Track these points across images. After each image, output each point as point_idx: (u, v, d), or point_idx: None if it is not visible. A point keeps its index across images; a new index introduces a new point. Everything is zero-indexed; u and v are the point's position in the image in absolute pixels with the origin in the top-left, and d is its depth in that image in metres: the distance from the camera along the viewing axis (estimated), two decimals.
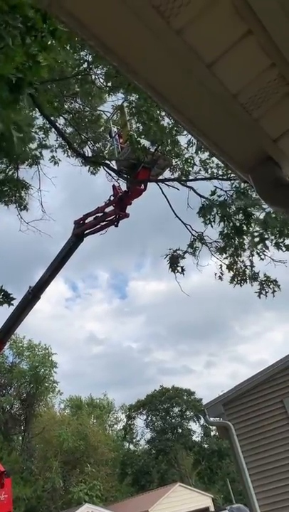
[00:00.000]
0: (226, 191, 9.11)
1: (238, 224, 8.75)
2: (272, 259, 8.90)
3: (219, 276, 9.60)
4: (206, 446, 42.85)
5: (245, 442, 8.38)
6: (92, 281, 73.02)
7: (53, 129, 10.51)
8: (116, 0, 1.14)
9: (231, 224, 8.81)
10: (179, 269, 9.70)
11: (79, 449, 34.03)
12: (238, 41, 1.32)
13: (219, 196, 9.02)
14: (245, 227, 8.73)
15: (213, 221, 8.80)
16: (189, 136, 9.42)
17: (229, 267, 9.57)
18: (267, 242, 8.42)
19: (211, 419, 9.20)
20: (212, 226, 8.95)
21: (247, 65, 1.41)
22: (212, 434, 41.22)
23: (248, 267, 9.43)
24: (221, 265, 9.63)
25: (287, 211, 1.96)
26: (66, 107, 11.39)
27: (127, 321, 70.82)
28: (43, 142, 10.76)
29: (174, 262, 9.76)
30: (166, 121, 8.82)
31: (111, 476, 38.38)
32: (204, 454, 41.93)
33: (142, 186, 10.93)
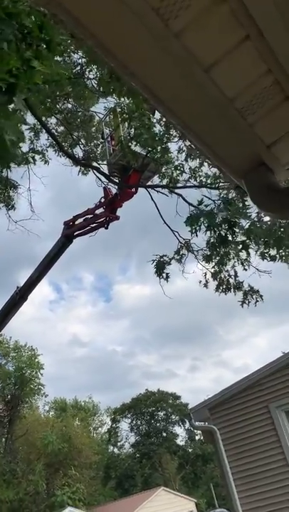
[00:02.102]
0: (213, 200, 9.21)
1: (223, 233, 8.86)
2: (257, 269, 9.04)
3: (204, 284, 9.72)
4: (190, 450, 42.87)
5: (230, 447, 8.40)
6: (77, 283, 72.73)
7: (44, 130, 10.49)
8: (115, 0, 1.14)
9: (217, 233, 8.92)
10: (164, 275, 9.81)
11: (63, 451, 33.75)
12: (236, 46, 1.33)
13: (206, 206, 9.12)
14: (230, 237, 8.86)
15: (199, 230, 8.91)
16: (180, 143, 9.49)
17: (214, 276, 9.68)
18: (251, 251, 8.58)
19: (197, 423, 9.20)
20: (196, 235, 9.08)
21: (244, 70, 1.41)
22: (197, 438, 41.25)
23: (232, 276, 9.56)
24: (206, 273, 9.74)
25: (279, 216, 1.97)
26: (58, 106, 11.36)
27: (111, 324, 70.71)
28: (34, 145, 10.73)
29: (160, 268, 9.84)
30: (157, 128, 8.87)
31: (94, 479, 38.17)
32: (188, 458, 41.95)
33: (133, 189, 10.94)
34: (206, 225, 8.79)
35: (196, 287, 9.81)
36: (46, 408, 41.79)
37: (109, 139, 11.27)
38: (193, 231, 8.87)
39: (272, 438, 8.00)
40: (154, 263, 9.91)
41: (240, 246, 8.65)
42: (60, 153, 11.47)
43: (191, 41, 1.27)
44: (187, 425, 41.55)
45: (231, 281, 9.59)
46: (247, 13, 1.24)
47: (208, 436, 9.09)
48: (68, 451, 34.39)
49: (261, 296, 9.30)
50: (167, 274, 9.86)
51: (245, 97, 1.50)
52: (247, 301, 9.30)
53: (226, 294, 9.57)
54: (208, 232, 8.93)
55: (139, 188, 11.00)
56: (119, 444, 44.62)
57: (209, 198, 9.30)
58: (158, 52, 1.28)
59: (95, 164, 11.88)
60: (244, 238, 8.68)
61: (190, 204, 9.74)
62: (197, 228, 8.84)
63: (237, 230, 8.75)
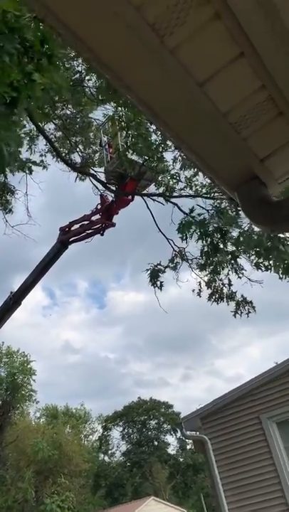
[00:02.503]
0: (207, 210, 9.29)
1: (215, 242, 8.93)
2: (249, 279, 9.09)
3: (198, 292, 9.76)
4: (181, 459, 42.61)
5: (221, 457, 8.36)
6: (71, 289, 72.52)
7: (42, 136, 10.55)
8: (112, 16, 1.16)
9: (210, 242, 8.98)
10: (158, 283, 9.85)
11: (53, 459, 33.46)
12: (231, 63, 1.35)
13: (199, 215, 9.20)
14: (221, 245, 8.93)
15: (190, 238, 8.98)
16: (175, 152, 9.57)
17: (208, 285, 9.72)
18: (244, 261, 8.65)
19: (188, 432, 9.16)
20: (186, 242, 9.16)
21: (238, 85, 1.44)
22: (188, 447, 41.02)
23: (226, 285, 9.61)
24: (200, 282, 9.79)
25: (271, 229, 1.99)
26: (57, 112, 11.43)
27: (104, 331, 70.45)
28: (32, 150, 10.78)
29: (155, 276, 9.89)
30: (153, 138, 8.94)
31: (84, 487, 37.82)
32: (179, 467, 41.67)
33: (130, 197, 10.99)
34: (198, 233, 8.86)
35: (189, 296, 9.90)
36: (37, 415, 41.51)
37: (107, 146, 11.33)
38: (184, 238, 8.95)
39: (263, 449, 7.98)
40: (148, 272, 9.95)
41: (230, 256, 8.72)
42: (58, 159, 11.53)
43: (186, 57, 1.30)
44: (179, 434, 41.34)
45: (225, 290, 9.64)
46: (242, 31, 1.27)
47: (199, 446, 9.05)
48: (58, 458, 34.11)
49: (254, 307, 9.36)
50: (161, 282, 9.92)
51: (239, 112, 1.53)
52: (239, 312, 9.35)
53: (218, 303, 9.61)
54: (201, 241, 9.00)
55: (136, 196, 11.06)
56: (110, 452, 44.31)
57: (202, 207, 9.39)
58: (153, 67, 1.30)
59: (91, 171, 11.94)
60: (234, 248, 8.76)
61: (185, 213, 9.82)
62: (188, 236, 8.91)
63: (228, 240, 8.82)
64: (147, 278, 9.91)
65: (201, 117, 1.52)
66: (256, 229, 8.50)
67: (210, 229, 8.89)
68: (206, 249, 9.10)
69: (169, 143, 9.10)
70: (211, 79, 1.38)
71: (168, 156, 9.97)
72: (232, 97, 1.48)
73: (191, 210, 9.17)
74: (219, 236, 8.83)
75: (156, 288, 9.89)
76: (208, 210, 9.26)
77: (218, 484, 8.16)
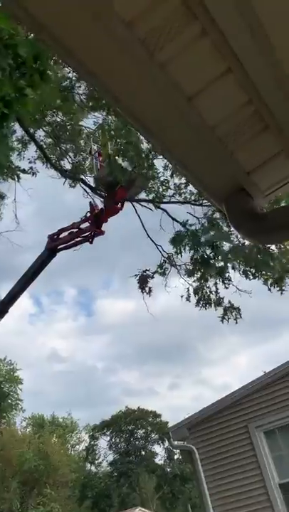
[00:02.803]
0: (198, 218, 9.40)
1: (205, 256, 9.05)
2: (238, 289, 9.19)
3: (186, 298, 9.81)
4: (168, 469, 42.31)
5: (209, 467, 8.33)
6: (58, 297, 71.97)
7: (32, 142, 10.56)
8: (102, 29, 1.19)
9: (200, 253, 9.09)
10: (147, 289, 9.89)
11: (39, 469, 33.01)
12: (218, 78, 1.38)
13: (191, 225, 9.32)
14: (212, 260, 9.05)
15: (184, 250, 9.10)
16: (165, 160, 9.65)
17: (196, 291, 9.78)
18: (233, 272, 8.78)
19: (176, 442, 9.12)
20: (181, 256, 9.26)
21: (225, 100, 1.47)
22: (176, 457, 40.78)
23: (213, 292, 9.70)
24: (188, 288, 9.85)
25: (257, 241, 2.02)
26: (47, 119, 11.45)
27: (92, 339, 69.91)
28: (22, 156, 10.78)
29: (144, 282, 9.92)
30: (144, 146, 9.02)
31: (70, 498, 37.33)
32: (167, 478, 41.36)
33: (119, 205, 11.02)
34: (190, 245, 8.96)
35: (178, 304, 9.91)
36: (23, 424, 40.97)
37: (96, 155, 11.37)
38: (178, 252, 9.06)
39: (251, 459, 7.98)
40: (137, 277, 9.99)
41: (218, 270, 8.87)
42: (48, 166, 11.54)
43: (175, 72, 1.32)
44: (166, 444, 41.07)
45: (212, 296, 9.72)
46: (228, 47, 1.30)
47: (186, 456, 9.01)
48: (45, 468, 33.67)
49: (240, 313, 9.45)
50: (150, 288, 9.98)
51: (227, 126, 1.55)
52: (227, 318, 9.44)
53: (206, 308, 9.69)
54: (192, 251, 9.09)
55: (125, 202, 11.10)
56: (97, 462, 43.83)
57: (193, 215, 9.49)
58: (143, 81, 1.32)
59: (81, 177, 11.95)
60: (222, 263, 8.91)
61: (174, 219, 9.91)
62: (182, 249, 9.03)
63: (219, 253, 8.95)
64: (136, 284, 9.96)
65: (189, 131, 1.54)
66: (247, 243, 8.63)
67: (202, 240, 9.02)
68: (196, 256, 9.21)
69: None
70: (200, 93, 1.41)
71: (158, 163, 10.03)
72: (220, 111, 1.51)
73: (184, 224, 9.30)
74: (210, 249, 8.96)
75: (145, 293, 9.94)
76: (198, 218, 9.37)
77: (206, 494, 8.12)
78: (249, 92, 1.47)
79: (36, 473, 33.08)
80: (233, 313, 9.49)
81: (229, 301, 9.65)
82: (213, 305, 9.70)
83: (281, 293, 8.87)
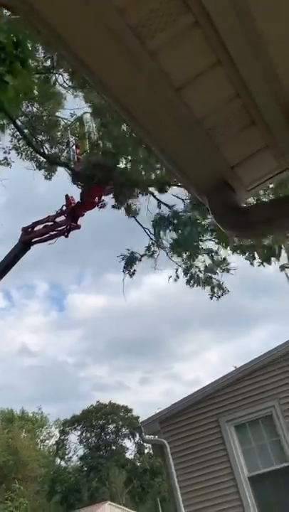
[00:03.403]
0: (183, 199, 9.55)
1: (186, 234, 9.22)
2: (226, 269, 9.42)
3: (175, 278, 10.02)
4: (138, 464, 42.53)
5: (179, 461, 8.42)
6: (29, 291, 71.09)
7: (7, 131, 10.36)
8: (93, 15, 1.17)
9: (182, 233, 9.26)
10: (131, 271, 10.03)
11: (8, 464, 32.64)
12: (207, 70, 1.39)
13: (172, 206, 9.47)
14: (194, 241, 9.21)
15: (164, 234, 9.23)
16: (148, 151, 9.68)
17: (185, 271, 9.98)
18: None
19: (147, 436, 9.18)
20: (161, 239, 9.37)
21: (213, 93, 1.48)
22: (146, 451, 41.02)
23: (202, 271, 9.95)
24: (176, 269, 10.03)
25: (238, 235, 2.04)
26: (23, 109, 11.25)
27: (63, 334, 69.42)
28: None
29: (130, 263, 10.03)
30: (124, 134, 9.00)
31: (39, 493, 37.09)
32: (137, 472, 41.58)
33: (96, 199, 10.95)
34: (172, 226, 9.12)
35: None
36: None
37: (74, 147, 11.25)
38: (158, 235, 9.21)
39: (221, 452, 8.10)
40: (124, 259, 10.11)
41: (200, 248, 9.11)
42: (24, 155, 11.35)
43: (164, 62, 1.32)
44: (137, 438, 41.29)
45: (200, 275, 9.98)
46: (219, 40, 1.30)
47: (157, 450, 9.08)
48: (13, 464, 33.32)
49: (227, 289, 9.84)
50: (134, 270, 10.13)
51: (214, 119, 1.56)
52: (216, 295, 9.80)
53: (194, 287, 9.97)
54: (175, 232, 9.29)
55: (102, 196, 11.02)
56: (67, 456, 43.65)
57: (177, 197, 9.68)
58: (133, 69, 1.31)
59: (61, 167, 11.78)
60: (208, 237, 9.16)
61: (159, 201, 10.06)
62: (162, 230, 9.18)
63: (204, 231, 9.17)
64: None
65: (175, 122, 1.54)
66: None
67: (183, 219, 9.20)
68: (178, 238, 9.42)
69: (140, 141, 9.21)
70: (188, 85, 1.41)
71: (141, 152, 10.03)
72: (207, 104, 1.51)
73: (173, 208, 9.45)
74: (191, 228, 9.15)
75: (128, 275, 10.09)
76: (183, 200, 9.52)
77: (176, 488, 8.21)
78: (237, 86, 1.47)
79: (5, 468, 32.73)
80: (220, 291, 9.87)
81: (216, 279, 10.00)
82: (201, 284, 9.99)
83: (263, 265, 9.12)
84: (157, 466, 36.35)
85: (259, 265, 9.08)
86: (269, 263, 8.94)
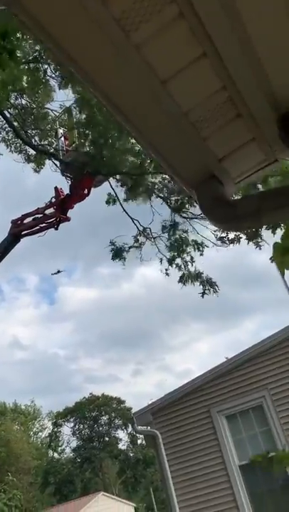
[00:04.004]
0: (169, 181, 9.61)
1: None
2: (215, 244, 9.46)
3: (165, 272, 10.02)
4: (131, 454, 42.88)
5: (172, 451, 8.50)
6: (19, 284, 70.87)
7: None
8: (78, 8, 1.15)
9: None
10: (123, 260, 10.03)
11: (0, 456, 32.71)
12: (193, 62, 1.37)
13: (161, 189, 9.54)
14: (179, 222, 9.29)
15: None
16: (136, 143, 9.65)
17: (170, 261, 9.98)
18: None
19: (139, 427, 9.24)
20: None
21: (199, 85, 1.46)
22: (139, 442, 41.36)
23: (190, 262, 9.95)
24: (168, 260, 10.01)
25: (226, 228, 2.04)
26: (12, 101, 11.09)
27: (54, 327, 69.50)
28: None
29: (119, 254, 10.02)
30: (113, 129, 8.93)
31: (33, 485, 37.26)
32: (129, 462, 41.94)
33: (86, 191, 10.88)
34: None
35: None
36: None
37: (62, 139, 11.14)
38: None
39: (213, 442, 8.19)
40: (112, 251, 10.10)
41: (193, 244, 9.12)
42: (13, 148, 11.22)
43: (150, 54, 1.30)
44: (130, 429, 41.58)
45: (191, 270, 10.01)
46: (204, 32, 1.29)
47: (150, 441, 9.15)
48: (6, 456, 33.41)
49: (218, 287, 9.83)
50: (124, 258, 10.13)
51: (200, 112, 1.55)
52: (207, 291, 9.79)
53: (185, 284, 9.93)
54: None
55: (92, 189, 10.95)
56: (60, 448, 43.86)
57: (164, 186, 9.71)
58: (118, 61, 1.29)
59: (50, 159, 11.66)
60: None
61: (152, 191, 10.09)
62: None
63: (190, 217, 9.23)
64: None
65: (162, 115, 1.53)
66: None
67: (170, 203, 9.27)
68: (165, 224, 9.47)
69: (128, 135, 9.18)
70: (174, 77, 1.40)
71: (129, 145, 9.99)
72: (193, 97, 1.50)
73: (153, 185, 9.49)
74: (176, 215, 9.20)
75: (120, 263, 10.10)
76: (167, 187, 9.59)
77: (168, 477, 8.29)
78: (223, 78, 1.46)
79: None
80: (211, 290, 9.85)
81: (206, 276, 9.99)
82: (191, 280, 9.98)
83: (259, 248, 9.14)
84: (150, 457, 36.70)
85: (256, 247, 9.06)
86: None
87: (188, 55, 1.36)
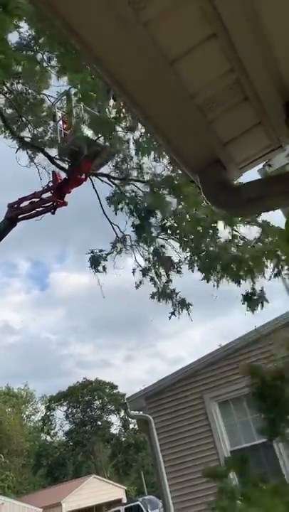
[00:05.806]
0: (142, 191, 9.57)
1: (139, 221, 9.23)
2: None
3: (137, 285, 9.85)
4: (123, 439, 43.39)
5: (164, 435, 8.60)
6: (10, 269, 70.72)
7: None
8: None
9: (139, 218, 9.27)
10: (101, 268, 9.96)
11: None
12: (202, 43, 1.35)
13: (132, 191, 9.47)
14: (144, 226, 9.22)
15: (121, 210, 9.26)
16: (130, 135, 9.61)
17: (144, 272, 9.84)
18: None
19: (132, 412, 9.33)
20: (116, 213, 9.45)
21: (207, 67, 1.44)
22: (131, 427, 41.82)
23: (162, 275, 9.74)
24: (137, 268, 9.90)
25: (229, 213, 2.03)
26: (8, 86, 10.92)
27: (46, 312, 69.59)
28: None
29: (95, 263, 9.98)
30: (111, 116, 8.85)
31: (25, 467, 37.71)
32: (121, 446, 42.46)
33: (83, 176, 10.80)
34: (128, 209, 9.14)
35: (133, 278, 9.90)
36: None
37: (60, 122, 11.01)
38: (115, 210, 9.26)
39: (205, 427, 8.29)
40: (89, 259, 10.08)
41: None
42: (7, 134, 11.07)
43: (159, 32, 1.28)
44: (122, 414, 42.01)
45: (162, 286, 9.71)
46: (215, 12, 1.26)
47: (143, 425, 9.25)
48: None
49: (190, 305, 9.52)
50: (104, 267, 10.04)
51: (207, 94, 1.53)
52: (177, 312, 9.51)
53: (159, 301, 9.66)
54: (131, 217, 9.31)
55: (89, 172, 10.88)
56: (52, 432, 44.32)
57: (138, 187, 9.66)
58: (126, 40, 1.27)
59: (43, 153, 11.55)
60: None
61: (115, 184, 9.99)
62: (119, 209, 9.20)
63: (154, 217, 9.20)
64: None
65: (168, 96, 1.51)
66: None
67: (140, 206, 9.19)
68: (134, 223, 9.43)
69: (125, 123, 9.07)
70: (182, 58, 1.37)
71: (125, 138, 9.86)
72: (201, 79, 1.48)
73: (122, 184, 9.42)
74: (146, 214, 9.15)
75: (99, 272, 10.01)
76: (143, 192, 9.54)
77: (160, 461, 8.41)
78: (232, 60, 1.44)
79: None
80: (183, 310, 9.47)
81: (180, 296, 9.58)
82: (165, 298, 9.57)
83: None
84: (141, 441, 37.15)
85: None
86: None
87: (198, 36, 1.34)
